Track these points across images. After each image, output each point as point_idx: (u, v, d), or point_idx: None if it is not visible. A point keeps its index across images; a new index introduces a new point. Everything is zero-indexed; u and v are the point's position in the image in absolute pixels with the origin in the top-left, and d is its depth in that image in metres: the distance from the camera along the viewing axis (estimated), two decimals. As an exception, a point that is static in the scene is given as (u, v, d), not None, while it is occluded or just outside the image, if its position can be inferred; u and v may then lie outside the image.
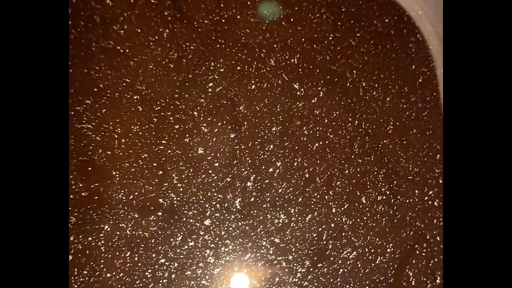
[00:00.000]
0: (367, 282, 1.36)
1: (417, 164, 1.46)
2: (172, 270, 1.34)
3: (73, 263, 1.32)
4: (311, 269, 1.35)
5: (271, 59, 1.49)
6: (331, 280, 1.35)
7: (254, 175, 1.41)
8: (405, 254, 1.39)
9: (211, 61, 1.48)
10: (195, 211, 1.38)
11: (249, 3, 1.52)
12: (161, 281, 1.33)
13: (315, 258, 1.36)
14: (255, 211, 1.39)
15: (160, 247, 1.35)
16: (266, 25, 1.51)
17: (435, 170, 1.48)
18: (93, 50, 1.47)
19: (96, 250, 1.33)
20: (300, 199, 1.39)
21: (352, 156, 1.43)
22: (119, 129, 1.42)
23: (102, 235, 1.34)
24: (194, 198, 1.39)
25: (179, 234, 1.36)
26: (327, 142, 1.44)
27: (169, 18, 1.50)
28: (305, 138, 1.44)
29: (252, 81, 1.47)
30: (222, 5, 1.52)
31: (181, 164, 1.41)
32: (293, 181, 1.41)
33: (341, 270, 1.36)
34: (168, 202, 1.38)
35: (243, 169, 1.41)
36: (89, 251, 1.33)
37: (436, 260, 1.43)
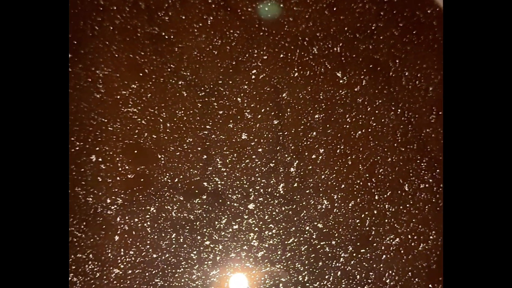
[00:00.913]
0: (409, 268, 1.38)
1: (459, 153, 1.47)
2: (217, 252, 1.36)
3: (119, 244, 1.35)
4: (354, 255, 1.37)
5: (314, 47, 1.51)
6: (374, 265, 1.37)
7: (297, 161, 1.43)
8: (448, 242, 1.40)
9: (255, 48, 1.50)
10: (239, 195, 1.40)
11: (293, -9, 1.54)
12: (206, 262, 1.35)
13: (358, 244, 1.37)
14: (298, 197, 1.40)
15: (205, 230, 1.37)
16: (309, 14, 1.53)
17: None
18: (138, 36, 1.50)
19: (143, 231, 1.36)
20: (343, 186, 1.41)
21: (395, 144, 1.44)
22: (164, 113, 1.44)
23: (148, 216, 1.37)
24: (238, 182, 1.41)
25: (223, 217, 1.38)
26: (369, 130, 1.45)
27: (213, 6, 1.52)
28: (348, 126, 1.45)
29: (295, 69, 1.49)
30: (265, -6, 1.53)
31: (225, 149, 1.43)
32: (336, 168, 1.42)
33: (384, 256, 1.38)
34: (213, 185, 1.40)
35: (286, 155, 1.43)
36: (135, 232, 1.36)
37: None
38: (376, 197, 1.40)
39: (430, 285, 1.38)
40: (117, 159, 1.40)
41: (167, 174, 1.40)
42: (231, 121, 1.45)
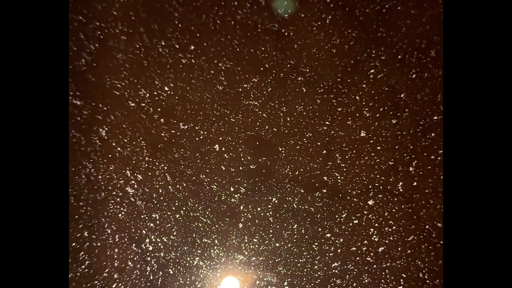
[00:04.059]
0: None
1: None
2: (338, 245, 1.39)
3: (243, 231, 1.39)
4: (474, 255, 1.38)
5: (431, 50, 1.53)
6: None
7: (416, 161, 1.45)
8: None
9: (372, 48, 1.53)
10: (359, 191, 1.43)
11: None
12: (327, 254, 1.38)
13: (478, 245, 1.39)
14: (418, 195, 1.42)
15: (325, 222, 1.40)
16: (426, 17, 1.55)
17: None
18: (259, 32, 1.54)
19: (265, 220, 1.40)
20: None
21: (514, 149, 1.46)
22: (284, 107, 1.48)
23: (270, 206, 1.41)
24: (357, 178, 1.43)
25: (343, 212, 1.41)
26: (488, 133, 1.46)
27: (332, 5, 1.56)
28: (466, 129, 1.47)
29: (413, 70, 1.51)
30: (383, -4, 1.56)
31: (344, 145, 1.46)
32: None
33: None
34: (332, 180, 1.43)
35: (404, 154, 1.45)
36: (258, 220, 1.40)
37: None
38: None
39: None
40: (239, 149, 1.44)
41: (288, 167, 1.44)
42: (349, 118, 1.48)
